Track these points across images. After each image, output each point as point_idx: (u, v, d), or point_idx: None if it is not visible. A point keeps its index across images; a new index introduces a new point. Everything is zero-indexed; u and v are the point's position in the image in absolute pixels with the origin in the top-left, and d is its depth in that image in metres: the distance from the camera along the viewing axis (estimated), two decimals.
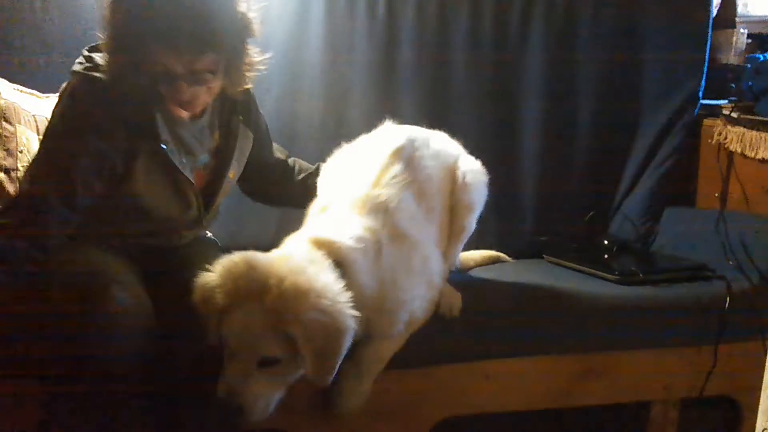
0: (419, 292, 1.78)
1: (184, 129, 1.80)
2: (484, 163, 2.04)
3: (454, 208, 1.94)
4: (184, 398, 1.59)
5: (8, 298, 1.59)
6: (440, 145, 1.96)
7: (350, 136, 1.99)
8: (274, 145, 2.13)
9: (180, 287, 1.72)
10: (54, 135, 1.71)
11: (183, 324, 1.59)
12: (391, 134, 1.90)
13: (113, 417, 1.53)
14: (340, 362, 1.52)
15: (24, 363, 1.63)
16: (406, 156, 1.83)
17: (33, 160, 1.72)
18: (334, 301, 1.51)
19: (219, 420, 1.51)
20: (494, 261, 2.42)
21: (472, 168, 1.98)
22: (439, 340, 1.89)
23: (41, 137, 1.79)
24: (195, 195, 1.84)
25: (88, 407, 1.52)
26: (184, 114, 1.78)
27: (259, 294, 1.48)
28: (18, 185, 1.89)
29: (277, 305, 1.47)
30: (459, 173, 1.94)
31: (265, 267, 1.52)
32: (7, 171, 1.91)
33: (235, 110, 1.90)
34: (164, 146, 1.73)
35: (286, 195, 2.13)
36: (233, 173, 1.93)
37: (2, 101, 1.95)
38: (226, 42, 1.65)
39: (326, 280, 1.53)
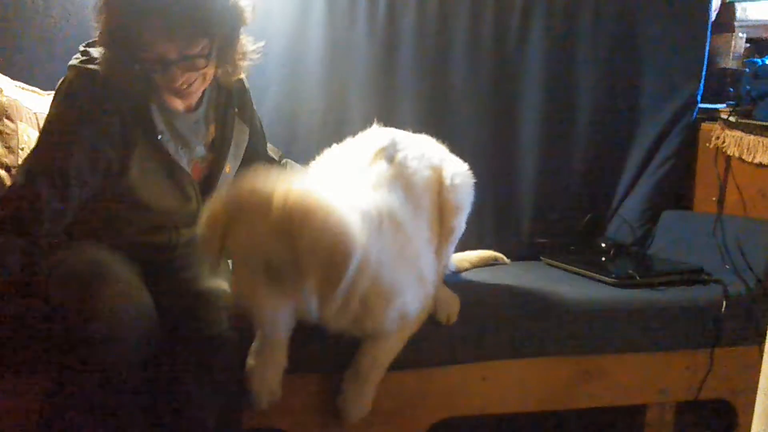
0: (411, 286, 1.76)
1: (180, 121, 1.80)
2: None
3: (442, 210, 1.94)
4: (185, 395, 1.59)
5: (5, 293, 1.59)
6: (425, 147, 1.96)
7: (350, 137, 1.99)
8: (268, 145, 2.13)
9: (179, 287, 1.73)
10: (49, 129, 1.71)
11: (183, 323, 1.60)
12: (376, 135, 1.91)
13: (114, 413, 1.53)
14: (343, 288, 1.50)
15: (25, 359, 1.63)
16: (390, 155, 1.84)
17: (28, 154, 1.72)
18: (342, 220, 1.49)
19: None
20: (491, 261, 2.42)
21: (458, 170, 1.97)
22: (436, 341, 1.90)
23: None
24: (193, 188, 1.84)
25: (89, 403, 1.51)
26: (180, 105, 1.79)
27: (265, 208, 1.47)
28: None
29: (283, 216, 1.45)
30: (445, 174, 1.94)
31: (270, 187, 1.50)
32: (8, 168, 1.90)
33: (231, 103, 1.91)
34: (160, 137, 1.74)
35: None
36: (230, 167, 1.92)
37: (4, 98, 1.94)
38: (219, 27, 1.67)
39: (335, 202, 1.51)
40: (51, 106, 1.73)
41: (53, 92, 1.76)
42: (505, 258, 2.45)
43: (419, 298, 1.81)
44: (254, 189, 1.51)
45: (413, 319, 1.82)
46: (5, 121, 1.92)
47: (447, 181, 1.93)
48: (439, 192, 1.93)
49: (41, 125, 1.91)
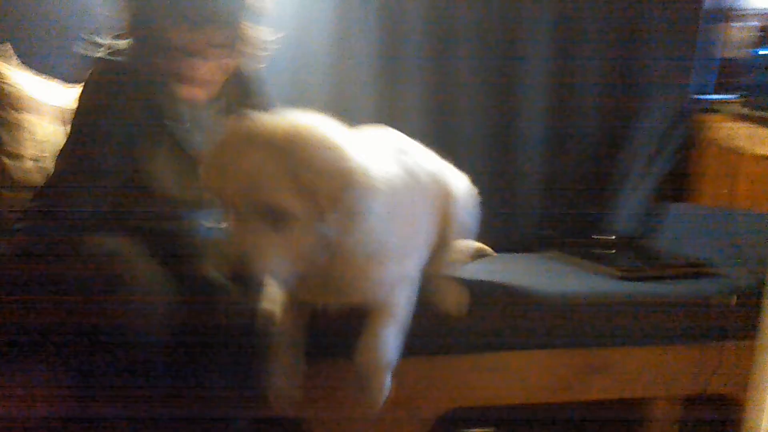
0: (392, 263, 1.70)
1: (200, 112, 1.83)
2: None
3: (445, 228, 1.92)
4: (204, 383, 1.61)
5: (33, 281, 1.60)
6: (429, 157, 1.93)
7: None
8: None
9: (197, 277, 1.73)
10: (80, 121, 1.74)
11: (200, 312, 1.61)
12: (375, 129, 1.89)
13: (134, 401, 1.54)
14: (336, 211, 1.44)
15: (47, 349, 1.65)
16: (391, 142, 1.84)
17: (62, 149, 1.75)
18: (347, 154, 1.44)
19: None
20: (480, 253, 2.36)
21: (463, 187, 1.96)
22: (443, 332, 1.91)
23: (68, 124, 1.82)
24: None
25: (110, 392, 1.53)
26: (201, 95, 1.81)
27: (267, 138, 1.41)
28: (24, 173, 1.92)
29: (287, 144, 1.39)
30: (452, 192, 1.92)
31: (273, 122, 1.45)
32: (16, 156, 1.93)
33: (248, 95, 1.94)
34: (182, 127, 1.78)
35: None
36: None
37: (11, 88, 1.96)
38: (240, 17, 1.72)
39: (340, 141, 1.46)
40: (79, 99, 1.76)
41: (76, 85, 1.80)
42: (491, 250, 2.39)
43: (400, 282, 1.75)
44: (251, 127, 1.45)
45: (386, 301, 1.73)
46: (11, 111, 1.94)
47: (456, 201, 1.92)
48: (444, 215, 1.90)
49: (67, 117, 1.94)
